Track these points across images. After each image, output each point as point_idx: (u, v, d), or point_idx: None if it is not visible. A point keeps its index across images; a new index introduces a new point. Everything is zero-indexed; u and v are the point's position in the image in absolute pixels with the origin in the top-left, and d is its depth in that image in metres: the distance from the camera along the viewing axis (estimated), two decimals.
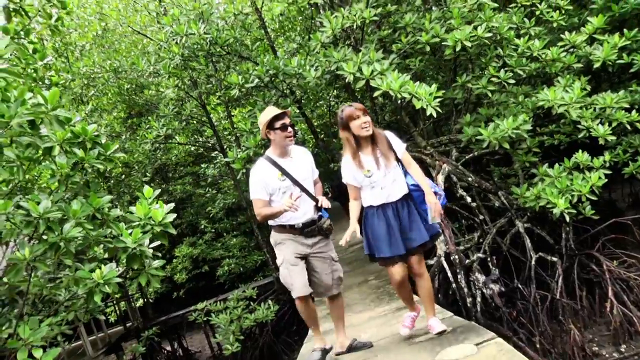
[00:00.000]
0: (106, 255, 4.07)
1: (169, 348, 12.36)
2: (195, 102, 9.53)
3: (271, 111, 3.93)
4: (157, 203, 3.74)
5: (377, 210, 3.73)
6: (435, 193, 3.78)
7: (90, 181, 4.05)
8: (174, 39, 6.71)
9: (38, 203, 3.25)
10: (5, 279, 3.66)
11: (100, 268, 3.49)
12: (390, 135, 3.84)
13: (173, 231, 3.69)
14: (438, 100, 4.98)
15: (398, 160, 3.79)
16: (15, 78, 2.67)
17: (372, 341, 4.20)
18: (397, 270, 3.77)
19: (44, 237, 3.40)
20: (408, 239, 3.67)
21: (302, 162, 4.04)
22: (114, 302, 12.05)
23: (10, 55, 4.38)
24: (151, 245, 3.60)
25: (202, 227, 14.45)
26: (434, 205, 3.67)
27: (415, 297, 4.12)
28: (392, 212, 3.68)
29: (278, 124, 3.87)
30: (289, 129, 3.91)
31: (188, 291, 14.48)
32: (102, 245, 3.87)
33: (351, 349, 4.05)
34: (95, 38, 9.60)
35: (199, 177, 15.38)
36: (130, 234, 3.50)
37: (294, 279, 3.91)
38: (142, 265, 3.66)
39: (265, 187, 3.90)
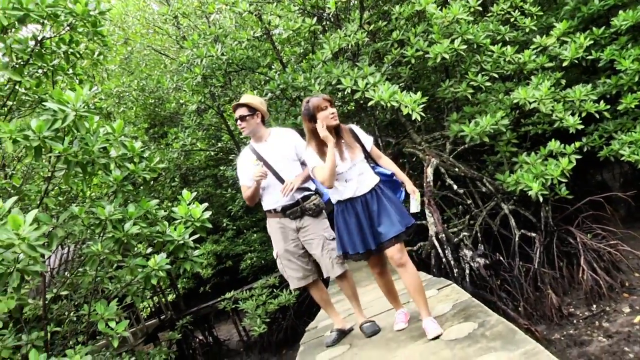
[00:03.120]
0: (149, 250, 4.96)
1: (200, 337, 13.21)
2: (213, 111, 10.50)
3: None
4: (193, 203, 4.62)
5: (346, 206, 3.54)
6: (399, 185, 3.72)
7: (137, 189, 4.96)
8: (194, 61, 7.67)
9: (103, 208, 4.07)
10: (87, 268, 4.63)
11: (149, 259, 4.36)
12: (356, 128, 3.72)
13: (209, 225, 4.43)
14: (422, 105, 5.81)
15: (368, 155, 3.67)
16: (92, 115, 3.63)
17: (372, 300, 4.75)
18: (373, 264, 3.65)
19: (107, 234, 4.27)
20: (378, 233, 3.45)
21: (279, 143, 4.08)
22: (148, 296, 12.96)
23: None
24: (191, 238, 4.35)
25: (224, 225, 14.96)
26: (416, 194, 3.60)
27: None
28: (361, 207, 3.48)
29: (235, 117, 4.10)
30: (239, 121, 4.06)
31: (214, 286, 14.94)
32: (144, 242, 4.71)
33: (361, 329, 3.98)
34: (122, 61, 10.61)
35: (217, 178, 16.21)
36: (175, 229, 4.29)
37: (289, 274, 4.11)
38: (186, 254, 4.45)
39: (247, 173, 4.09)
